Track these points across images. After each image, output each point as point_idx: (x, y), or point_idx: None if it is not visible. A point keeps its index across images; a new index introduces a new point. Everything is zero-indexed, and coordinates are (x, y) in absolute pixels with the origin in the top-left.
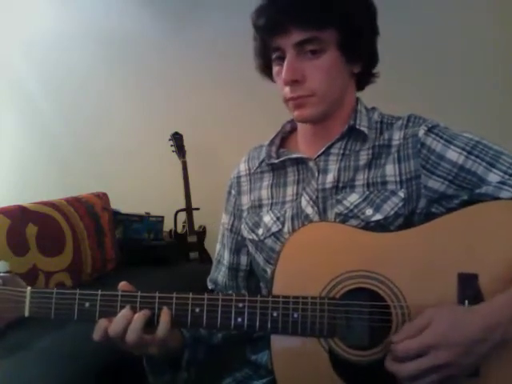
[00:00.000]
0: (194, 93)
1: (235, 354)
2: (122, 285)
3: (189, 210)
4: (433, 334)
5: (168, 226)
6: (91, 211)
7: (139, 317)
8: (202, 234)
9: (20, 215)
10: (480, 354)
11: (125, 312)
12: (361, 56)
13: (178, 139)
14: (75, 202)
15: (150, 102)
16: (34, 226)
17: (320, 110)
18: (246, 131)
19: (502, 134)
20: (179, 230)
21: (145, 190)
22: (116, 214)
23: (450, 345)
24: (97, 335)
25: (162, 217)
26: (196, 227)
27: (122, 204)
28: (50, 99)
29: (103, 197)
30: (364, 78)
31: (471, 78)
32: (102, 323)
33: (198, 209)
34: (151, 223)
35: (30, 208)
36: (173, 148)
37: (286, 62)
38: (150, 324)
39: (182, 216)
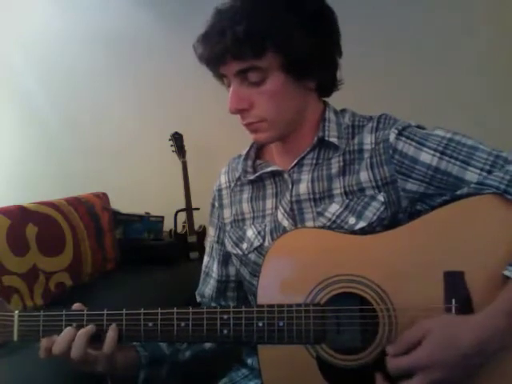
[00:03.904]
0: (194, 93)
1: (231, 356)
2: (76, 306)
3: (189, 210)
4: (426, 351)
5: (168, 226)
6: (91, 211)
7: (82, 333)
8: (201, 233)
9: (20, 215)
10: (474, 366)
11: (68, 330)
12: (311, 73)
13: (177, 139)
14: (75, 201)
15: (149, 102)
16: (34, 226)
17: (275, 133)
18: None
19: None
20: (179, 229)
21: (145, 190)
22: (116, 214)
23: (443, 363)
24: (41, 354)
25: (162, 217)
26: (196, 227)
27: (122, 204)
28: (50, 99)
29: (103, 197)
30: (325, 89)
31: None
32: (44, 343)
33: (198, 209)
34: (151, 223)
35: (30, 208)
36: (173, 148)
37: (230, 92)
38: (100, 341)
39: (182, 216)
